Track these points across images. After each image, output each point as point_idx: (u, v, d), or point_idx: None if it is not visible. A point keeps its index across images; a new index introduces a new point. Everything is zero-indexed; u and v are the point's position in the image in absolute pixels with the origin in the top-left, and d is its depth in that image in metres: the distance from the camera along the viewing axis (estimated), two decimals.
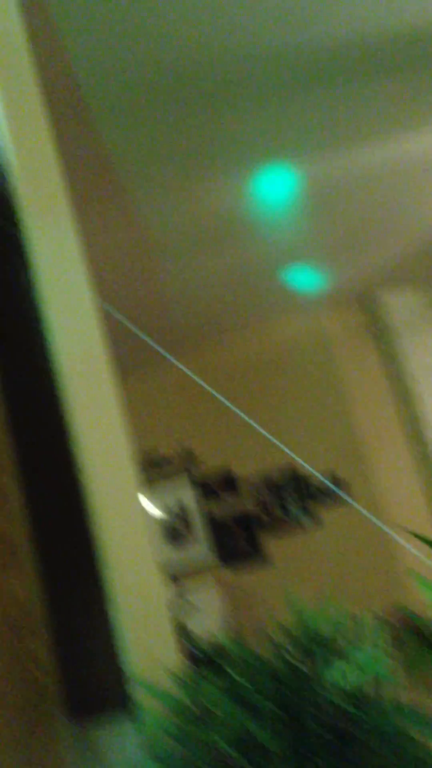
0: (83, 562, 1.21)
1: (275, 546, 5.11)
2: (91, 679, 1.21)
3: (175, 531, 5.39)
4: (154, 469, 5.42)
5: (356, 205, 3.64)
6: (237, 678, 1.02)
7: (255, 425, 1.57)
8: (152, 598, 1.26)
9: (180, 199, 3.17)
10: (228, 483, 5.27)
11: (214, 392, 1.31)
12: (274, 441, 1.65)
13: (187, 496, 5.35)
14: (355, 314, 5.19)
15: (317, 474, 4.84)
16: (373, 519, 1.55)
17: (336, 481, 4.95)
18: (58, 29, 1.99)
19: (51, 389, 1.26)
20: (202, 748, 1.01)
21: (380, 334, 5.14)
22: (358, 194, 3.53)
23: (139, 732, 1.13)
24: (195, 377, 1.38)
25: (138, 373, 5.44)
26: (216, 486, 5.30)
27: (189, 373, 1.52)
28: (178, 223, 3.39)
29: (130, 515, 1.27)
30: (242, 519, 5.21)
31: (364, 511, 1.61)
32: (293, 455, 1.90)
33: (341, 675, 1.01)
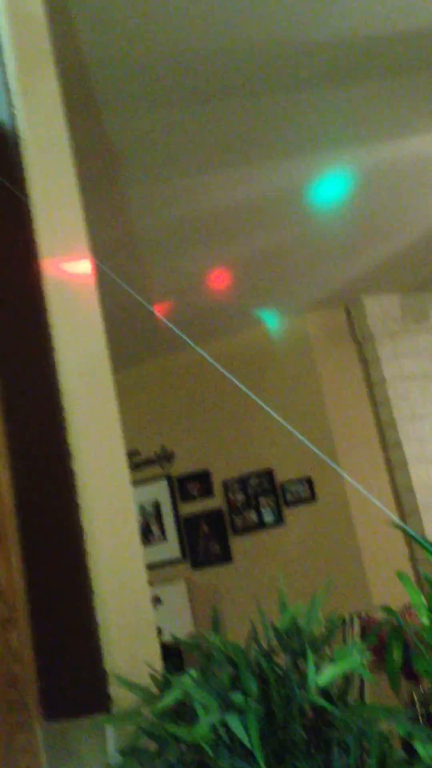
0: (70, 557, 1.20)
1: (245, 546, 5.11)
2: (71, 678, 1.20)
3: (147, 529, 5.37)
4: (132, 470, 5.39)
5: (342, 209, 3.66)
6: (216, 674, 1.01)
7: (292, 429, 1.55)
8: (137, 597, 1.25)
9: (174, 193, 3.16)
10: (202, 483, 5.27)
11: (237, 382, 1.30)
12: (309, 445, 1.63)
13: (163, 496, 5.34)
14: (337, 318, 5.21)
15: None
16: (375, 501, 1.55)
17: (310, 484, 4.97)
18: (73, 15, 1.99)
19: (49, 378, 1.25)
20: (178, 746, 1.00)
21: (360, 339, 5.18)
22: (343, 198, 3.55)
23: (117, 730, 1.12)
24: (216, 363, 1.37)
25: (121, 370, 5.42)
26: (190, 485, 5.30)
27: (210, 359, 1.51)
28: (166, 219, 3.38)
29: (120, 513, 1.26)
30: (214, 519, 5.21)
31: (362, 489, 1.61)
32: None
33: (321, 672, 1.01)
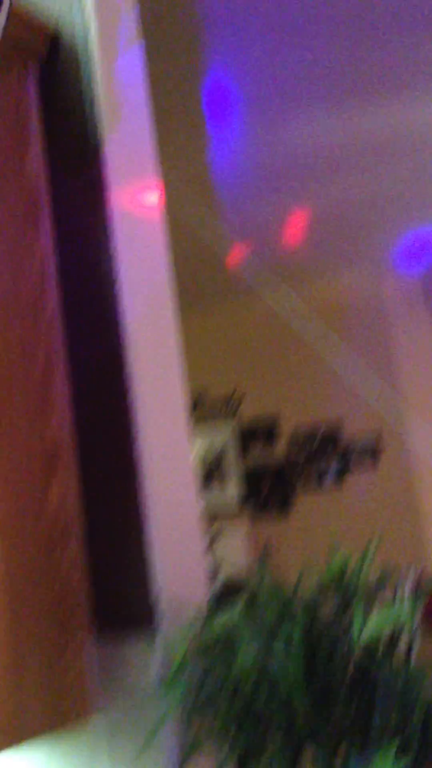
0: (125, 476, 1.21)
1: (306, 502, 5.10)
2: (121, 593, 1.22)
3: (209, 474, 5.41)
4: (199, 411, 5.42)
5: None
6: (264, 609, 1.00)
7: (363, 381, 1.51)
8: (189, 521, 1.26)
9: (260, 129, 3.06)
10: (269, 433, 5.25)
11: (311, 327, 1.27)
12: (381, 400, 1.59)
13: (228, 440, 5.36)
14: (417, 282, 5.07)
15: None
16: None
17: (375, 448, 4.90)
18: None
19: (111, 311, 1.24)
20: (217, 678, 1.00)
21: None
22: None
23: (160, 654, 1.13)
24: (292, 309, 1.34)
25: (194, 311, 5.41)
26: (257, 435, 5.29)
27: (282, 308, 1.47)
28: (248, 157, 3.29)
29: (176, 436, 1.25)
30: (277, 472, 5.20)
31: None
32: None
33: (371, 625, 0.98)
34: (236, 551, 5.05)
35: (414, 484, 4.73)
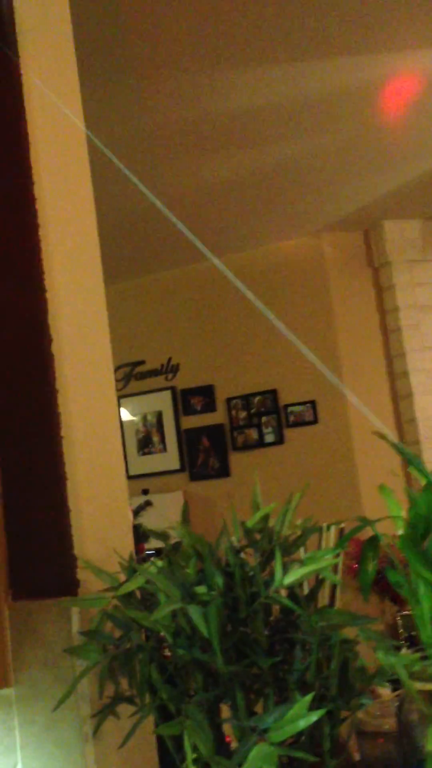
0: (43, 439, 1.18)
1: (244, 463, 5.15)
2: (40, 560, 1.20)
3: (147, 439, 5.42)
4: (136, 378, 5.42)
5: (359, 123, 3.50)
6: (183, 565, 1.00)
7: (300, 345, 1.50)
8: (112, 485, 1.24)
9: (187, 91, 3.02)
10: (206, 397, 5.27)
11: (249, 294, 1.25)
12: (321, 366, 1.59)
13: (166, 407, 5.36)
14: (355, 241, 5.09)
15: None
16: (365, 410, 1.52)
17: (313, 406, 4.96)
18: None
19: (32, 266, 1.20)
20: (138, 630, 1.00)
21: (377, 265, 5.07)
22: (361, 110, 3.38)
23: (82, 614, 1.13)
24: (231, 274, 1.31)
25: (127, 280, 5.36)
26: (193, 399, 5.31)
27: (226, 270, 1.45)
28: (182, 119, 3.24)
29: (100, 400, 1.23)
30: (215, 434, 5.24)
31: (365, 410, 1.58)
32: None
33: (290, 574, 0.99)
34: (175, 512, 5.08)
35: (351, 439, 4.81)
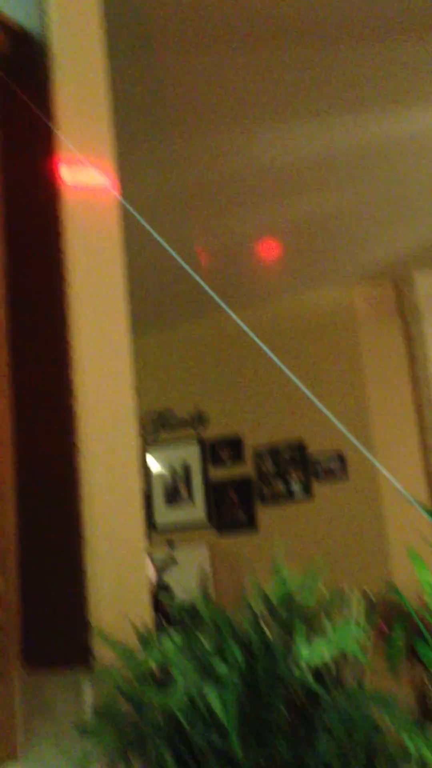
0: (64, 502, 1.14)
1: (269, 515, 5.06)
2: (54, 629, 1.15)
3: (175, 491, 5.35)
4: (165, 429, 5.39)
5: (391, 176, 3.50)
6: (201, 640, 0.95)
7: (321, 406, 1.46)
8: (131, 550, 1.19)
9: (220, 147, 3.04)
10: (234, 449, 5.21)
11: (268, 351, 1.21)
12: (338, 424, 1.54)
13: (193, 457, 5.31)
14: (385, 293, 5.06)
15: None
16: (391, 479, 1.47)
17: (341, 459, 4.87)
18: None
19: (59, 322, 1.17)
20: (154, 711, 0.94)
21: (407, 316, 5.02)
22: (392, 165, 3.38)
23: (95, 687, 1.07)
24: (250, 332, 1.28)
25: (157, 331, 5.37)
26: (221, 451, 5.25)
27: (244, 327, 1.42)
28: (217, 174, 3.26)
29: (121, 461, 1.19)
30: (242, 486, 5.16)
31: (388, 474, 1.52)
32: None
33: (314, 651, 0.93)
34: (199, 567, 4.98)
35: (381, 497, 4.70)
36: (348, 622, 0.97)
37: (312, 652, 0.92)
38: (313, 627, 0.99)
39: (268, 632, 0.99)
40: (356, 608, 1.21)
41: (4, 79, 1.29)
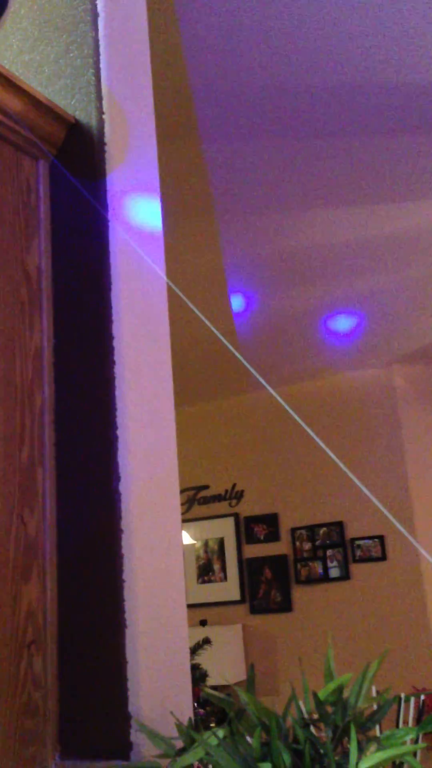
0: (106, 578, 1.12)
1: (307, 597, 4.93)
2: (92, 717, 1.11)
3: (208, 567, 5.26)
4: (201, 504, 5.34)
5: (429, 261, 3.53)
6: (247, 739, 0.91)
7: (364, 488, 1.45)
8: (173, 637, 1.16)
9: (263, 229, 3.11)
10: (270, 526, 5.13)
11: (313, 434, 1.20)
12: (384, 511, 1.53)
13: (228, 534, 5.24)
14: (426, 373, 5.04)
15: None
16: None
17: (381, 540, 4.76)
18: (177, 33, 1.98)
19: (105, 400, 1.18)
20: None
21: None
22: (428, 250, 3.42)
23: None
24: (290, 410, 1.28)
25: (198, 405, 5.39)
26: (258, 529, 5.17)
27: (286, 406, 1.42)
28: (260, 254, 3.34)
29: (165, 545, 1.18)
30: (278, 565, 5.05)
31: (429, 557, 1.47)
32: None
33: (369, 760, 0.89)
34: (234, 645, 4.84)
35: (422, 580, 4.57)
36: (404, 729, 0.92)
37: (367, 762, 0.87)
38: (364, 730, 0.95)
39: (318, 736, 0.94)
40: (408, 710, 1.16)
41: (59, 168, 1.34)
